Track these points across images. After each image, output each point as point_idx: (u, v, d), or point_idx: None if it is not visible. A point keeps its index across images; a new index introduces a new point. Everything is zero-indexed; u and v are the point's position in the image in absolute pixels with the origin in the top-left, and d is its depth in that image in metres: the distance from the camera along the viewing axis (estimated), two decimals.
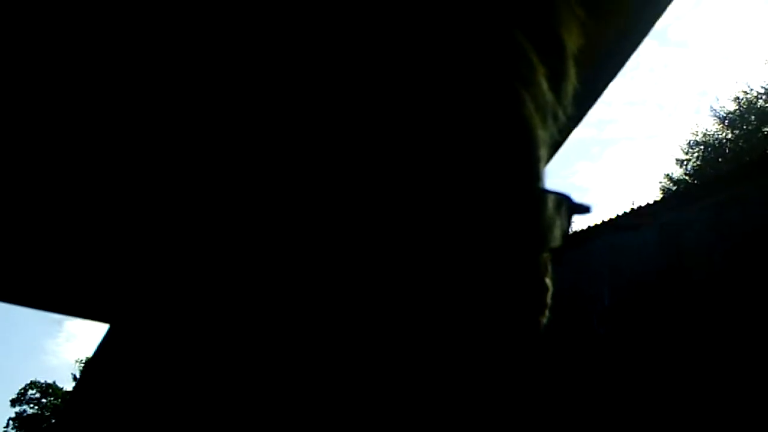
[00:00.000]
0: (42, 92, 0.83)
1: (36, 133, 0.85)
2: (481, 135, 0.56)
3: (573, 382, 14.42)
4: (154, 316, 0.55)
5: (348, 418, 0.50)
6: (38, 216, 0.95)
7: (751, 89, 33.30)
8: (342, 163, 0.52)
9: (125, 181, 0.75)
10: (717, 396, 12.31)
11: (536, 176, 0.60)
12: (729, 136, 33.18)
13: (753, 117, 32.05)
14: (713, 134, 34.12)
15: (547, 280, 0.62)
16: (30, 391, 63.36)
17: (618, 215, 15.74)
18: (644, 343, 13.71)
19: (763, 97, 32.30)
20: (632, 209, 15.79)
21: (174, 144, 0.61)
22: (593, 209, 0.66)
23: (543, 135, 0.61)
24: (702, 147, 34.26)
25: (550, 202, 0.61)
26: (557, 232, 0.62)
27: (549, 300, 0.61)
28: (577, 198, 0.65)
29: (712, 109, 35.13)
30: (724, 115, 33.60)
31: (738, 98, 33.46)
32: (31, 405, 62.85)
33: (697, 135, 34.77)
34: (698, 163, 34.00)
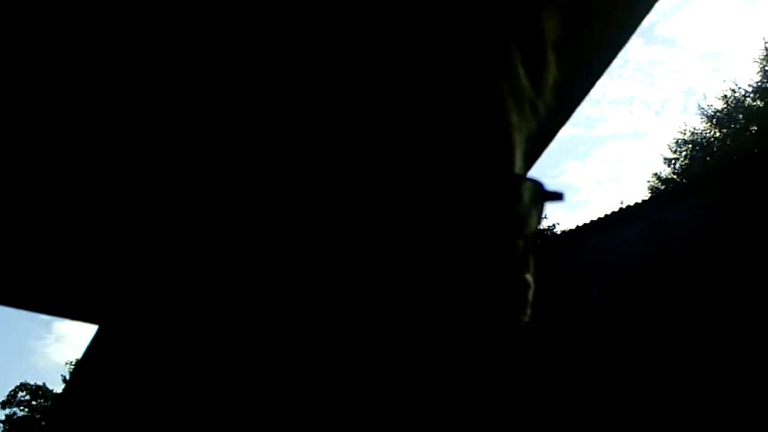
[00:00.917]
0: (32, 90, 0.83)
1: (19, 135, 0.85)
2: (453, 121, 0.56)
3: (562, 379, 14.44)
4: (143, 317, 0.55)
5: (336, 416, 0.50)
6: (26, 217, 0.95)
7: (739, 87, 33.44)
8: (337, 160, 0.52)
9: (114, 180, 0.75)
10: (706, 392, 12.35)
11: (509, 161, 0.60)
12: (717, 134, 33.30)
13: (741, 115, 32.17)
14: (701, 133, 34.24)
15: (528, 276, 0.61)
16: (20, 393, 63.11)
17: (607, 214, 15.78)
18: (633, 341, 13.75)
19: (751, 95, 32.41)
20: (621, 208, 15.83)
21: (166, 143, 0.61)
22: (565, 197, 0.65)
23: (518, 121, 0.61)
24: (690, 146, 34.37)
25: (524, 188, 0.61)
26: (532, 219, 0.62)
27: (530, 296, 0.61)
28: (565, 193, 0.65)
29: (700, 108, 35.25)
30: (712, 113, 33.73)
31: (726, 96, 33.58)
32: (22, 407, 62.61)
33: (685, 134, 34.89)
34: (686, 161, 34.10)
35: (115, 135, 0.73)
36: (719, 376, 12.26)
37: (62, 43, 0.78)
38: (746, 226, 12.93)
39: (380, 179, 0.53)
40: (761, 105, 31.19)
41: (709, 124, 33.86)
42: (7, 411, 61.86)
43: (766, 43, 32.75)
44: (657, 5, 1.17)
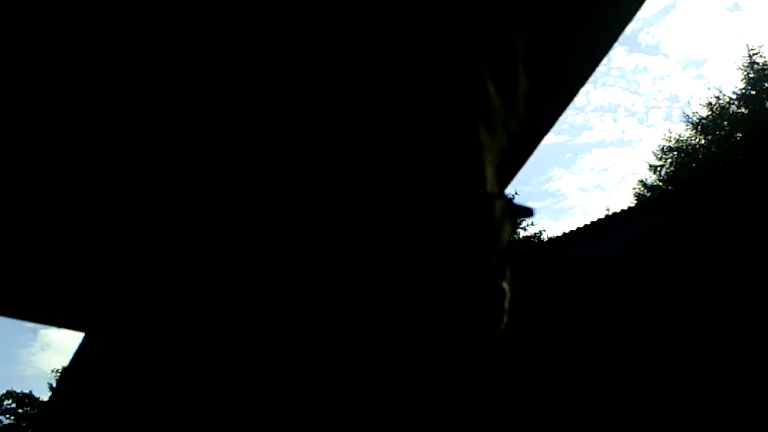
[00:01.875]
0: (20, 96, 0.83)
1: (4, 141, 0.85)
2: (425, 142, 0.57)
3: (547, 381, 14.43)
4: (130, 324, 0.55)
5: (324, 412, 0.50)
6: (12, 225, 0.94)
7: (724, 95, 33.51)
8: (333, 166, 0.53)
9: (103, 188, 0.75)
10: (691, 396, 12.37)
11: (480, 179, 0.61)
12: (702, 141, 33.35)
13: (725, 122, 32.23)
14: (686, 140, 34.28)
15: (504, 284, 0.62)
16: (6, 402, 62.54)
17: (593, 221, 15.79)
18: (617, 345, 13.75)
19: (736, 102, 32.49)
20: (607, 215, 15.84)
21: (161, 149, 0.62)
22: (535, 212, 0.66)
23: (488, 140, 0.62)
24: (675, 153, 34.41)
25: (496, 206, 0.62)
26: (504, 235, 0.63)
27: (506, 304, 0.62)
28: (535, 210, 0.66)
29: (685, 115, 35.32)
30: (697, 120, 33.78)
31: (711, 104, 33.65)
32: (8, 415, 62.05)
33: (671, 141, 34.94)
34: (672, 168, 34.13)
35: (106, 141, 0.73)
36: (705, 382, 12.28)
37: (62, 44, 0.78)
38: (731, 232, 12.96)
39: (361, 194, 0.53)
40: (746, 112, 31.26)
41: (694, 131, 33.91)
42: None
43: (750, 50, 32.86)
44: (638, 14, 1.18)
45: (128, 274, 0.59)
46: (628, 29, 1.26)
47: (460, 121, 0.60)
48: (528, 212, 0.67)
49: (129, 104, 0.70)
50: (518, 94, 0.69)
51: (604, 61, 1.27)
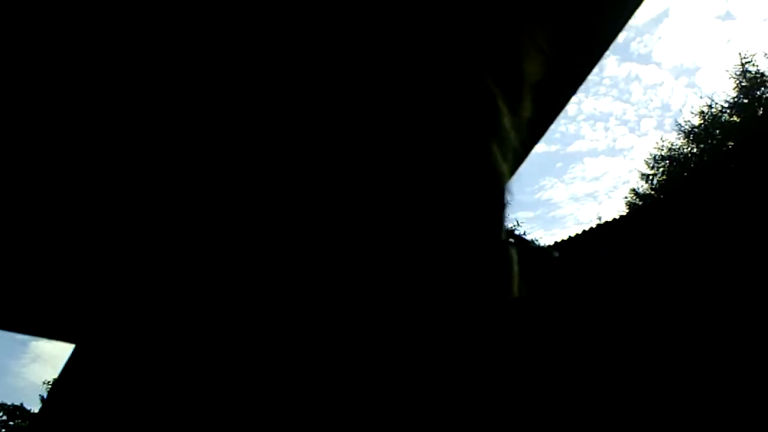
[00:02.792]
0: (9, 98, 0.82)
1: None
2: (454, 192, 0.57)
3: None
4: (120, 336, 0.55)
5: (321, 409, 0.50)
6: (1, 234, 0.94)
7: (716, 103, 33.57)
8: (338, 168, 0.53)
9: (97, 195, 0.75)
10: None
11: (500, 229, 0.61)
12: (694, 150, 33.38)
13: (717, 131, 32.28)
14: (678, 149, 34.31)
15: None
16: None
17: (585, 231, 15.81)
18: (607, 354, 13.77)
19: (728, 111, 32.55)
20: (599, 224, 15.87)
21: (158, 154, 0.61)
22: (557, 255, 0.67)
23: (507, 178, 0.63)
24: (667, 162, 34.44)
25: (513, 254, 0.62)
26: (519, 281, 0.63)
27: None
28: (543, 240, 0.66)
29: (677, 124, 35.39)
30: (689, 129, 33.82)
31: (703, 112, 33.69)
32: None
33: (662, 150, 34.97)
34: (664, 177, 34.15)
35: (101, 144, 0.73)
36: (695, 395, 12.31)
37: (62, 44, 0.78)
38: (724, 241, 12.99)
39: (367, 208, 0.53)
40: (738, 121, 31.32)
41: (686, 140, 33.94)
42: None
43: (742, 58, 32.92)
44: (628, 24, 1.18)
45: (120, 284, 0.59)
46: (620, 38, 1.27)
47: (478, 149, 0.60)
48: (548, 254, 0.67)
49: (125, 105, 0.70)
50: (524, 117, 0.70)
51: (596, 70, 1.28)
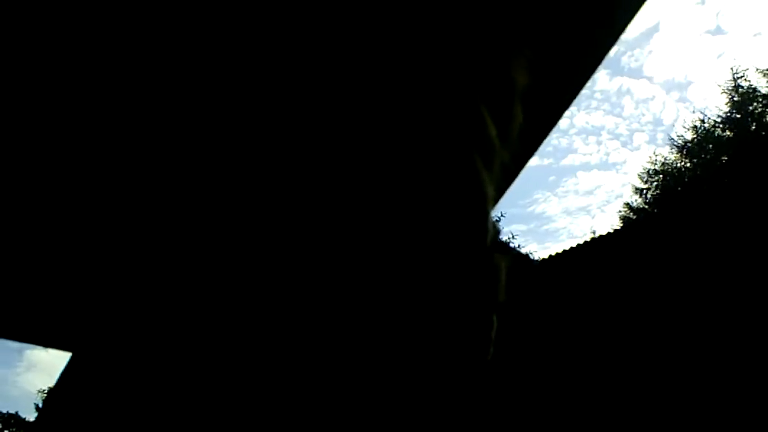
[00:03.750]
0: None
1: None
2: (426, 186, 0.57)
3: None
4: (117, 344, 0.55)
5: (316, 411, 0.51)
6: None
7: (708, 118, 33.61)
8: (337, 167, 0.53)
9: (94, 199, 0.75)
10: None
11: (484, 238, 0.62)
12: (688, 165, 33.40)
13: (711, 146, 32.31)
14: (672, 163, 34.34)
15: (494, 317, 0.63)
16: None
17: (578, 244, 15.79)
18: (600, 369, 13.75)
19: (721, 125, 32.59)
20: (593, 238, 15.84)
21: (156, 157, 0.62)
22: (535, 259, 0.68)
23: (491, 191, 0.63)
24: (661, 176, 34.47)
25: (499, 262, 0.63)
26: (503, 286, 0.64)
27: (493, 335, 0.63)
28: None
29: (670, 138, 35.41)
30: (682, 144, 33.85)
31: (696, 127, 33.72)
32: None
33: (656, 164, 35.00)
34: (657, 192, 34.17)
35: (98, 147, 0.73)
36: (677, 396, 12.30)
37: (61, 44, 0.78)
38: (718, 255, 13.00)
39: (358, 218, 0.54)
40: (731, 135, 31.36)
41: (679, 154, 33.97)
42: None
43: (734, 73, 32.97)
44: (620, 39, 1.19)
45: (117, 292, 0.59)
46: (612, 52, 1.27)
47: (461, 163, 0.61)
48: (527, 261, 0.68)
49: (121, 105, 0.70)
50: (514, 127, 0.70)
51: (588, 83, 1.29)
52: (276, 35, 0.58)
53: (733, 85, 32.67)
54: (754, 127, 30.49)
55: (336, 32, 0.58)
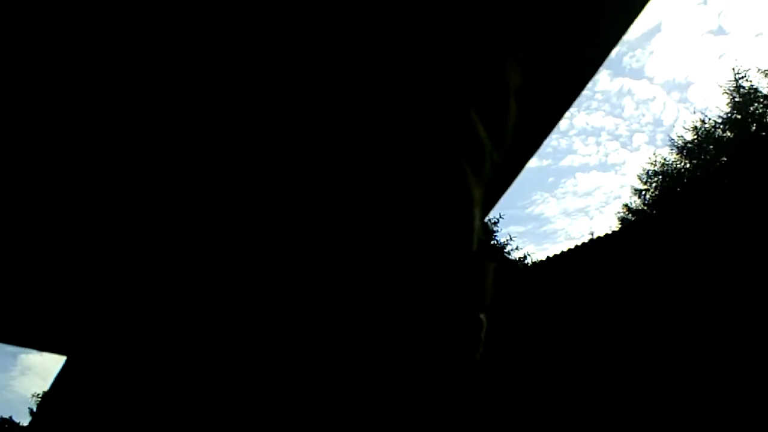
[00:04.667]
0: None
1: None
2: (414, 191, 0.57)
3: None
4: (112, 348, 0.55)
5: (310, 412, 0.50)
6: None
7: (709, 119, 33.64)
8: (336, 167, 0.53)
9: (90, 200, 0.74)
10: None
11: (470, 239, 0.61)
12: (687, 165, 33.43)
13: (711, 147, 32.35)
14: (671, 164, 34.37)
15: (482, 317, 0.63)
16: None
17: (577, 245, 15.81)
18: (599, 371, 13.77)
19: (721, 126, 32.62)
20: (591, 239, 15.86)
21: (152, 158, 0.61)
22: (524, 262, 0.68)
23: (478, 193, 0.63)
24: (660, 177, 34.50)
25: (484, 265, 0.63)
26: (489, 289, 0.64)
27: (482, 335, 0.63)
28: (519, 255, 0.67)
29: (670, 139, 35.45)
30: (682, 144, 33.88)
31: (696, 128, 33.75)
32: None
33: (655, 165, 35.03)
34: (656, 193, 34.20)
35: (95, 147, 0.73)
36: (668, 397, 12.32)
37: (61, 43, 0.77)
38: (717, 254, 13.02)
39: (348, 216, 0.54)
40: (731, 136, 31.39)
41: (679, 155, 34.00)
42: None
43: (736, 74, 33.00)
44: (622, 40, 1.18)
45: (112, 295, 0.58)
46: (613, 53, 1.27)
47: (445, 165, 0.61)
48: (514, 265, 0.68)
49: (120, 104, 0.70)
50: (507, 127, 0.70)
51: (588, 84, 1.28)
52: (276, 36, 0.58)
53: (735, 85, 32.70)
54: (754, 128, 30.53)
55: (331, 34, 0.58)
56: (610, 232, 15.75)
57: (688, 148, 33.45)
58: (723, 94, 33.23)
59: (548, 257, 16.39)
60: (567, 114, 1.31)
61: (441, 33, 0.62)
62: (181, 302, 0.52)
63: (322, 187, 0.53)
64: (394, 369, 0.54)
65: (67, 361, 0.62)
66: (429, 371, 0.58)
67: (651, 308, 13.51)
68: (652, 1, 1.02)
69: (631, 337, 13.63)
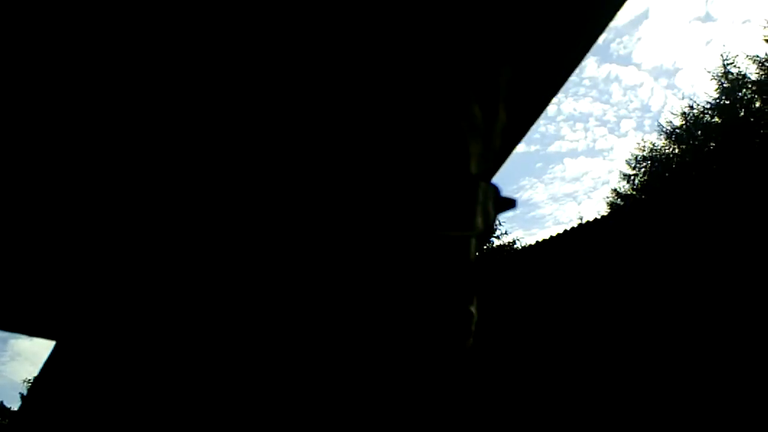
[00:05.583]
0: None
1: None
2: (421, 131, 0.58)
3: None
4: (102, 332, 0.55)
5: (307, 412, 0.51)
6: None
7: (697, 104, 33.72)
8: (333, 164, 0.53)
9: (79, 192, 0.74)
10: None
11: (466, 164, 0.62)
12: (676, 151, 33.51)
13: (699, 132, 32.43)
14: (660, 149, 34.45)
15: (472, 308, 0.63)
16: None
17: (566, 230, 15.83)
18: (590, 356, 13.81)
19: (709, 112, 32.70)
20: (580, 224, 15.88)
21: (149, 152, 0.61)
22: (517, 204, 0.68)
23: (474, 148, 0.63)
24: (649, 162, 34.59)
25: (480, 190, 0.63)
26: (483, 219, 0.64)
27: (473, 326, 0.63)
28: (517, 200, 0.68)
29: (659, 125, 35.55)
30: (671, 130, 33.96)
31: (685, 113, 33.83)
32: None
33: (644, 150, 35.12)
34: (645, 178, 34.29)
35: (91, 141, 0.73)
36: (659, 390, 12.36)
37: (60, 43, 0.77)
38: (705, 242, 13.05)
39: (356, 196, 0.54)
40: (720, 121, 31.47)
41: (667, 140, 34.08)
42: None
43: (724, 60, 33.06)
44: (608, 27, 1.19)
45: (103, 279, 0.58)
46: (600, 39, 1.27)
47: (448, 120, 0.61)
48: (510, 203, 0.68)
49: (118, 103, 0.70)
50: (496, 130, 0.71)
51: (576, 71, 1.29)
52: (275, 36, 0.58)
53: (723, 71, 32.77)
54: (742, 114, 30.61)
55: (336, 34, 0.58)
56: (599, 217, 15.77)
57: (677, 133, 33.52)
58: (711, 80, 33.31)
59: (537, 242, 16.41)
60: (554, 100, 1.31)
61: (441, 29, 0.63)
62: (173, 290, 0.53)
63: (321, 185, 0.54)
64: (387, 362, 0.54)
65: (56, 346, 0.63)
66: (420, 362, 0.58)
67: (640, 293, 13.54)
68: None
69: (620, 322, 13.66)
